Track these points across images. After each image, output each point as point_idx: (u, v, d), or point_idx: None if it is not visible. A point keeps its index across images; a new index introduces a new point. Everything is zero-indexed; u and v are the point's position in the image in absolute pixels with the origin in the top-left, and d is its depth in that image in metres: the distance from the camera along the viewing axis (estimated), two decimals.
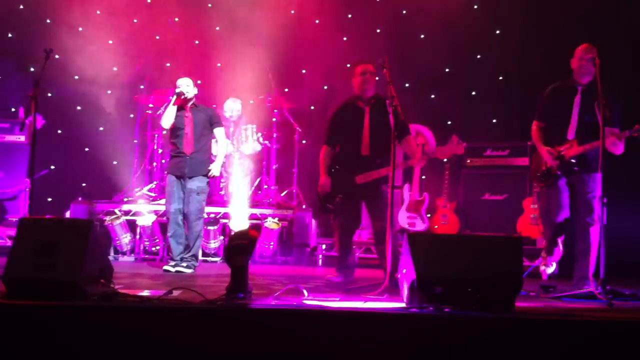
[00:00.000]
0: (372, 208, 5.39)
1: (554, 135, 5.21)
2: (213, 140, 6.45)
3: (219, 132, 6.36)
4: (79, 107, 8.79)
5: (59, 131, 8.69)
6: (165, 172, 6.41)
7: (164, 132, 8.01)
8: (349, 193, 5.33)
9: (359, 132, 5.31)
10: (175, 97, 6.09)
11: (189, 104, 6.18)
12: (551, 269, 5.43)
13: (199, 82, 8.18)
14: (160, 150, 8.12)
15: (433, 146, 5.60)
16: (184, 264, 5.98)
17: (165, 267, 6.00)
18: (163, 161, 8.04)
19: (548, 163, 5.19)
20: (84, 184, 8.58)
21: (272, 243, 7.36)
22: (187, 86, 6.14)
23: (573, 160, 5.06)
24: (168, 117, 6.10)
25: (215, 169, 6.26)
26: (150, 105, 8.23)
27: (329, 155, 5.48)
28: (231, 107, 7.95)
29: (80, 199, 7.71)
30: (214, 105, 7.48)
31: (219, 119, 6.42)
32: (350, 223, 5.48)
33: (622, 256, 5.30)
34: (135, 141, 8.44)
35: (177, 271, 5.91)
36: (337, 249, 5.57)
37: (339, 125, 5.48)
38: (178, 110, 6.12)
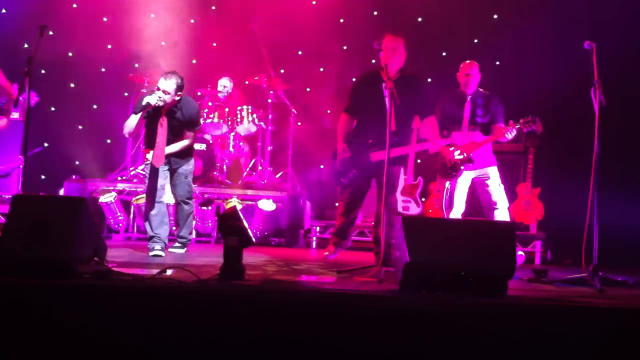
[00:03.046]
0: (380, 188, 5.20)
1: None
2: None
3: (188, 136, 5.77)
4: (72, 85, 8.73)
5: (52, 109, 8.64)
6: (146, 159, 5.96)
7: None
8: (362, 170, 5.24)
9: (381, 107, 5.00)
10: (142, 106, 5.45)
11: (166, 108, 5.56)
12: None
13: (193, 61, 8.14)
14: None
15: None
16: (177, 244, 5.96)
17: (171, 249, 5.86)
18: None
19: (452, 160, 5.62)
20: (77, 162, 8.55)
21: (265, 225, 7.36)
22: (162, 93, 5.42)
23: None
24: (129, 125, 5.54)
25: (152, 158, 5.61)
26: (146, 85, 8.17)
27: (347, 124, 5.34)
28: (222, 84, 7.95)
29: (74, 177, 7.68)
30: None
31: (195, 124, 5.82)
32: (356, 200, 5.38)
33: (614, 244, 5.32)
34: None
35: (172, 251, 5.86)
36: (337, 219, 5.46)
37: (361, 96, 5.30)
38: (154, 110, 5.53)
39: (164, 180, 5.81)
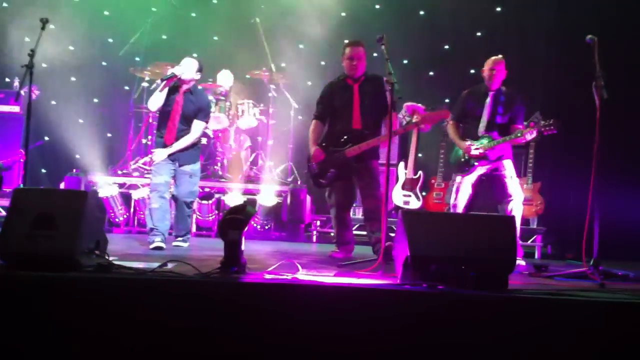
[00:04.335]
0: (362, 184, 5.47)
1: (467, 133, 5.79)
2: (201, 128, 6.00)
3: (197, 124, 5.85)
4: (73, 78, 8.73)
5: (53, 102, 8.65)
6: (152, 152, 6.10)
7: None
8: (341, 168, 5.40)
9: (349, 107, 5.44)
10: (166, 79, 5.71)
11: (184, 88, 5.81)
12: None
13: (194, 54, 8.14)
14: (154, 123, 8.08)
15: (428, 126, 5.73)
16: (179, 239, 5.96)
17: (155, 245, 5.70)
18: None
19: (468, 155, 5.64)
20: (77, 156, 8.56)
21: (266, 219, 7.37)
22: (185, 67, 5.74)
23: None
24: (155, 100, 5.77)
25: (157, 154, 5.79)
26: (147, 79, 8.17)
27: (318, 129, 5.60)
28: (223, 77, 7.94)
29: (75, 170, 7.68)
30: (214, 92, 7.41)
31: (205, 115, 5.96)
32: (344, 200, 5.58)
33: (615, 238, 5.32)
34: (131, 113, 8.39)
35: (175, 246, 5.86)
36: (334, 225, 5.67)
37: (328, 101, 5.58)
38: (172, 93, 5.79)
39: (169, 177, 5.84)
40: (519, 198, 5.61)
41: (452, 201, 5.76)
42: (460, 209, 5.68)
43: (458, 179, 5.77)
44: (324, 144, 5.52)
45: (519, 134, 5.45)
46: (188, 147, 5.85)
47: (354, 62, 5.46)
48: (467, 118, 5.81)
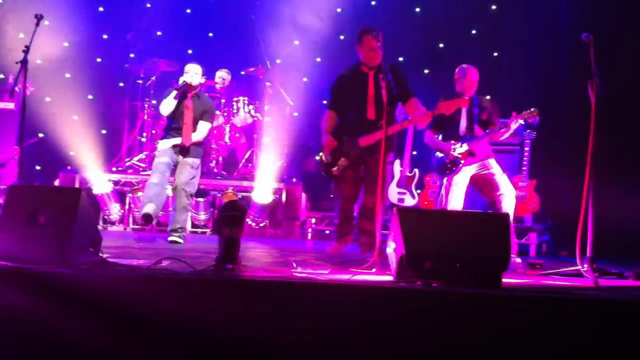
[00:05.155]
0: (368, 179, 5.37)
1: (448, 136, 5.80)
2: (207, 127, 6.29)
3: (202, 124, 6.19)
4: (67, 75, 8.71)
5: (48, 99, 8.62)
6: (157, 149, 6.31)
7: (154, 101, 7.99)
8: (352, 158, 5.32)
9: (364, 96, 5.33)
10: (179, 87, 6.02)
11: (192, 93, 6.14)
12: None
13: (189, 51, 8.13)
14: (150, 120, 8.07)
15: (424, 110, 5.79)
16: (176, 234, 5.97)
17: (169, 238, 5.96)
18: (153, 132, 7.99)
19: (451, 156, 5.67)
20: (72, 153, 8.54)
21: (261, 216, 7.36)
22: (195, 74, 6.11)
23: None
24: (167, 106, 6.06)
25: (162, 143, 6.19)
26: (142, 75, 8.15)
27: (332, 119, 5.49)
28: (220, 76, 7.93)
29: (69, 167, 7.67)
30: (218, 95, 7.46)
31: (210, 116, 6.31)
32: (352, 191, 5.48)
33: (610, 236, 5.33)
34: (126, 110, 8.37)
35: (171, 241, 5.89)
36: (337, 216, 5.58)
37: (343, 90, 5.47)
38: (180, 97, 6.08)
39: (171, 161, 6.08)
40: (510, 193, 5.63)
41: (443, 205, 5.71)
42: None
43: (444, 181, 5.75)
44: (336, 134, 5.41)
45: (502, 127, 5.54)
46: (198, 142, 6.21)
47: (374, 51, 5.25)
48: (444, 124, 5.81)
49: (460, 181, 5.67)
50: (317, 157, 5.56)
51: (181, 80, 6.08)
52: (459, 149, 5.61)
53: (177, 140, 6.10)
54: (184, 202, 6.04)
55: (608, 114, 4.90)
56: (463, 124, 5.73)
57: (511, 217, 5.39)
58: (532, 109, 5.44)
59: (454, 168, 5.66)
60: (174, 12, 8.65)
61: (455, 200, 5.66)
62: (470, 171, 5.69)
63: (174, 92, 6.03)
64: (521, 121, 5.53)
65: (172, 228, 6.01)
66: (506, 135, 5.71)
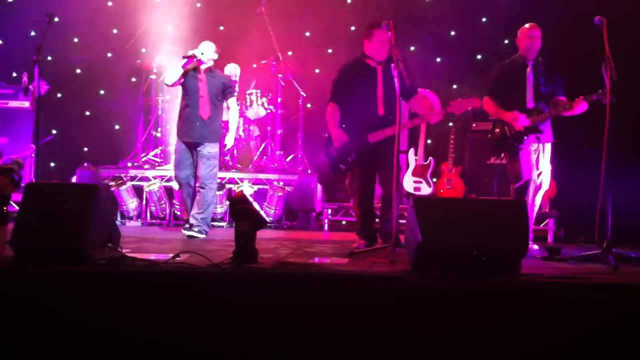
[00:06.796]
0: (382, 170, 5.19)
1: (511, 106, 5.27)
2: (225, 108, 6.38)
3: (232, 101, 6.32)
4: (78, 71, 8.75)
5: (59, 95, 8.66)
6: (177, 139, 6.22)
7: (168, 97, 8.01)
8: (361, 154, 5.19)
9: (373, 92, 5.18)
10: (186, 57, 5.96)
11: (204, 68, 6.06)
12: None
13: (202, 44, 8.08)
14: (164, 115, 8.10)
15: (439, 108, 5.54)
16: (196, 229, 5.91)
17: (187, 233, 5.93)
18: (168, 127, 8.01)
19: (516, 127, 5.21)
20: (85, 149, 8.60)
21: (277, 208, 7.38)
22: (205, 49, 6.02)
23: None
24: (172, 74, 6.00)
25: (229, 141, 6.50)
26: (154, 70, 8.16)
27: (337, 112, 5.28)
28: (228, 71, 7.93)
29: (85, 164, 7.71)
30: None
31: (232, 89, 6.33)
32: (366, 187, 5.29)
33: (628, 221, 5.28)
34: (140, 106, 8.39)
35: (189, 236, 5.87)
36: (357, 215, 5.38)
37: (348, 85, 5.30)
38: (192, 73, 6.00)
39: (190, 163, 6.08)
40: (545, 188, 5.32)
41: (524, 177, 5.21)
42: (534, 181, 5.25)
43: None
44: (344, 127, 5.25)
45: (567, 106, 5.10)
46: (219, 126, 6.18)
47: (385, 44, 5.09)
48: (504, 92, 5.34)
49: (528, 155, 5.26)
50: (325, 153, 5.38)
51: (190, 52, 6.01)
52: (525, 123, 5.16)
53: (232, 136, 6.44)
54: (208, 194, 6.00)
55: (625, 96, 4.85)
56: (530, 94, 5.24)
57: (536, 211, 5.32)
58: (600, 90, 4.84)
59: (516, 143, 5.24)
60: (184, 6, 8.63)
61: (530, 171, 5.23)
62: (533, 148, 5.30)
63: (183, 61, 5.97)
64: (585, 106, 5.03)
65: (193, 222, 5.98)
66: (569, 115, 5.19)
